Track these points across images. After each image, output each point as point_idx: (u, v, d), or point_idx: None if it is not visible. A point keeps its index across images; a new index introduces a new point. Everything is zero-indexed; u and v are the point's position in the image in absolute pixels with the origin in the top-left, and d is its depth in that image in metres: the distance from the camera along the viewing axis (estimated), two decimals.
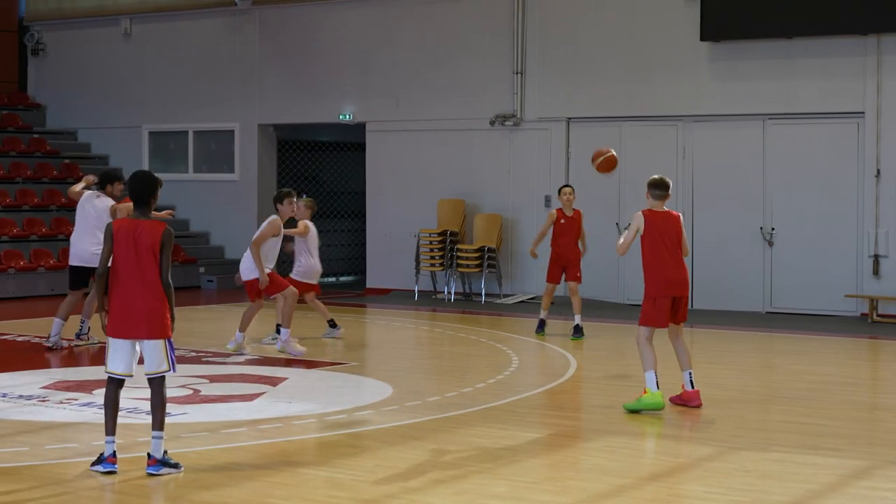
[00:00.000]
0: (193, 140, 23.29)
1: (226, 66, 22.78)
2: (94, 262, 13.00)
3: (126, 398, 9.91)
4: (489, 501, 7.25)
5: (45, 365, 12.61)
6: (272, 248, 13.12)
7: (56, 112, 24.96)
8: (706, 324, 16.69)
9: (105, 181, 13.61)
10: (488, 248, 19.77)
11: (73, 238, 13.60)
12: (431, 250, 20.18)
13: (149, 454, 7.70)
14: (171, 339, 7.79)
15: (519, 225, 19.68)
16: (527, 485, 7.65)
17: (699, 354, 13.95)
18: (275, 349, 13.57)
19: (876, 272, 17.41)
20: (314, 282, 14.40)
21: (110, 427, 7.72)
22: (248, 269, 13.04)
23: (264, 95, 22.37)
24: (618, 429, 9.52)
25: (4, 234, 20.55)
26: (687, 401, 10.21)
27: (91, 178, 13.89)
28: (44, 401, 10.24)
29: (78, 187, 13.82)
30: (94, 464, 7.73)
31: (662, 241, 10.07)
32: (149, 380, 7.80)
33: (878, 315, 17.15)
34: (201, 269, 22.08)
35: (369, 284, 21.31)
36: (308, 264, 14.28)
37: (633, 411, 9.93)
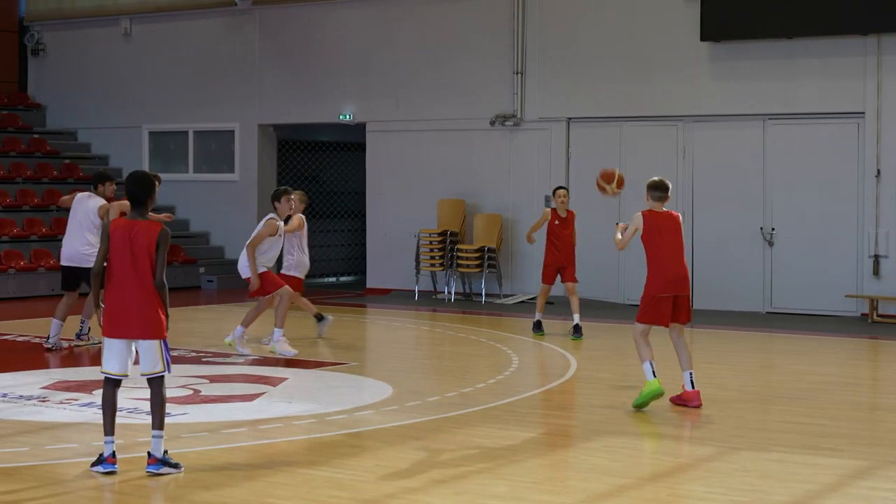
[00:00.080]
0: (193, 140, 23.29)
1: (226, 66, 22.79)
2: (84, 262, 13.04)
3: (126, 398, 9.93)
4: (489, 501, 7.25)
5: (45, 365, 12.61)
6: (272, 248, 13.08)
7: (56, 112, 24.97)
8: (706, 324, 16.69)
9: (97, 181, 13.63)
10: (488, 249, 19.77)
11: (64, 238, 13.62)
12: (431, 250, 20.18)
13: (149, 453, 7.70)
14: (167, 340, 7.79)
15: (519, 225, 19.66)
16: (527, 485, 7.65)
17: (699, 354, 13.95)
18: (275, 349, 13.56)
19: (876, 272, 17.41)
20: (303, 276, 14.34)
21: (109, 427, 7.72)
22: (245, 268, 13.03)
23: (264, 95, 22.38)
24: (618, 429, 9.52)
25: (5, 235, 20.55)
26: (687, 401, 10.22)
27: None
28: (44, 401, 10.24)
29: (67, 197, 13.91)
30: (93, 464, 7.73)
31: (663, 240, 10.18)
32: (147, 380, 7.80)
33: (879, 315, 17.15)
34: (201, 270, 22.08)
35: (369, 284, 21.31)
36: (299, 259, 14.26)
37: (641, 406, 10.06)
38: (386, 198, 21.17)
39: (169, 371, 7.79)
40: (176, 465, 7.73)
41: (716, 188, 18.49)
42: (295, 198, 14.15)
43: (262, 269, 12.99)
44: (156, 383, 7.78)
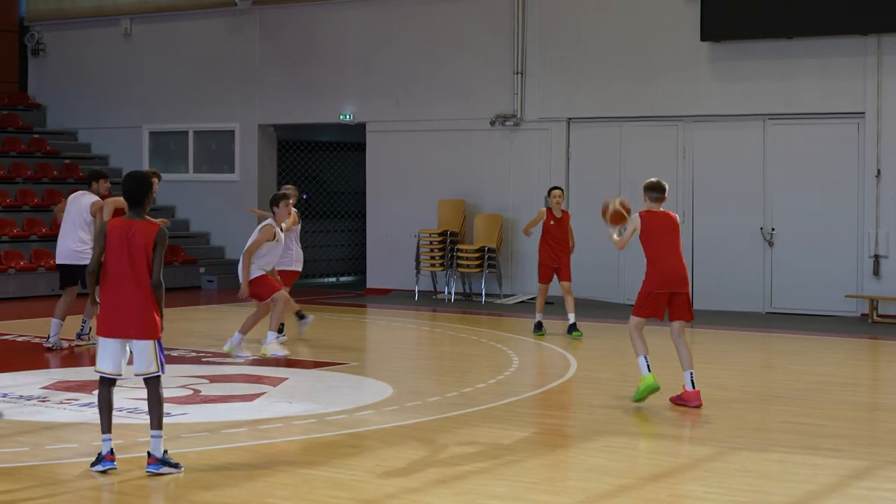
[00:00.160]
0: (194, 140, 23.29)
1: (226, 66, 22.79)
2: (78, 260, 13.04)
3: (126, 398, 9.94)
4: (489, 501, 7.25)
5: (46, 365, 12.61)
6: (271, 253, 12.96)
7: (56, 112, 24.97)
8: (706, 324, 16.69)
9: (91, 178, 13.64)
10: (488, 249, 19.77)
11: (59, 237, 13.62)
12: (432, 250, 20.18)
13: (149, 453, 7.70)
14: (161, 341, 7.79)
15: (519, 225, 19.64)
16: (527, 485, 7.65)
17: (699, 354, 13.95)
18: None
19: (876, 272, 17.41)
20: (301, 269, 14.37)
21: (106, 425, 7.74)
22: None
23: (265, 95, 22.38)
24: (618, 429, 9.52)
25: (5, 235, 20.55)
26: (687, 401, 10.23)
27: None
28: (44, 401, 10.24)
29: (60, 205, 13.93)
30: (93, 464, 7.73)
31: (661, 240, 10.29)
32: (144, 380, 7.81)
33: (879, 315, 17.15)
34: (201, 270, 22.09)
35: (369, 284, 21.31)
36: (297, 253, 14.27)
37: (639, 400, 10.22)
38: (386, 198, 21.17)
39: (163, 371, 7.79)
40: (176, 465, 7.73)
41: (716, 188, 18.49)
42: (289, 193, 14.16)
43: (259, 273, 12.88)
44: (152, 384, 7.79)
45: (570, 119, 19.66)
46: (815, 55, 17.79)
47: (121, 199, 8.16)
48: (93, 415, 9.46)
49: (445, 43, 20.64)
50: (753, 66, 18.18)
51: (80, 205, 13.43)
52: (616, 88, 19.16)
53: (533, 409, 10.62)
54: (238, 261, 13.12)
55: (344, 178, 24.69)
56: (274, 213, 13.11)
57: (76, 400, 10.22)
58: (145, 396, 7.88)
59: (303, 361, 12.90)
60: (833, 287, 17.65)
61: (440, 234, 20.09)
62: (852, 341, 15.51)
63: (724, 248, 18.40)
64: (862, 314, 17.39)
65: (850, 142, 17.74)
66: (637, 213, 10.36)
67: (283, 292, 13.04)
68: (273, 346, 12.97)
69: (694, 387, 10.23)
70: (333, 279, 24.35)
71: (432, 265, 20.22)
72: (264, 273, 12.95)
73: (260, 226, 13.13)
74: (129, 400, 9.92)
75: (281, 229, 13.10)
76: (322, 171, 24.57)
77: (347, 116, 21.48)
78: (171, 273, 21.47)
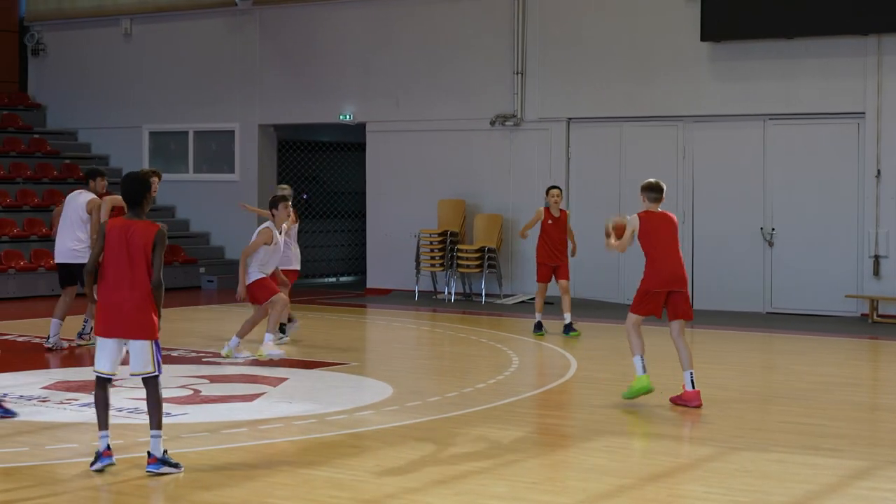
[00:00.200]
0: (194, 140, 23.29)
1: (226, 66, 22.79)
2: (75, 259, 13.03)
3: (126, 398, 9.95)
4: (489, 501, 7.26)
5: (46, 365, 12.62)
6: (270, 257, 12.82)
7: (56, 112, 24.97)
8: (706, 324, 16.69)
9: (89, 177, 13.64)
10: (488, 249, 19.77)
11: (57, 236, 13.62)
12: (432, 250, 20.18)
13: (149, 453, 7.71)
14: (159, 341, 7.79)
15: (519, 225, 19.59)
16: (527, 485, 7.66)
17: (699, 354, 13.94)
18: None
19: (876, 272, 17.41)
20: (299, 268, 14.35)
21: (103, 423, 7.77)
22: (247, 274, 12.81)
23: (265, 96, 22.38)
24: (618, 429, 9.52)
25: (5, 235, 20.55)
26: (687, 401, 10.24)
27: None
28: (44, 401, 10.24)
29: (57, 209, 13.93)
30: (92, 463, 7.73)
31: (659, 239, 10.33)
32: (143, 381, 7.81)
33: (879, 315, 17.14)
34: (201, 270, 22.09)
35: (369, 285, 21.31)
36: (295, 251, 14.23)
37: (629, 399, 10.30)
38: (386, 198, 21.17)
39: (159, 372, 7.79)
40: (176, 465, 7.74)
41: (716, 188, 18.49)
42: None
43: (258, 276, 12.76)
44: (151, 384, 7.79)
45: (570, 119, 19.66)
46: (816, 55, 17.78)
47: (119, 197, 8.17)
48: (93, 415, 9.45)
49: (445, 43, 20.64)
50: (753, 66, 18.17)
51: (77, 203, 13.44)
52: (616, 88, 19.16)
53: (533, 409, 10.62)
54: (237, 260, 13.10)
55: (344, 178, 24.69)
56: (273, 215, 12.93)
57: (76, 400, 10.22)
58: (145, 397, 7.88)
59: (303, 362, 12.90)
60: (833, 287, 17.65)
61: (440, 235, 20.09)
62: (852, 341, 15.50)
63: (724, 248, 18.40)
64: (862, 314, 17.39)
65: (850, 142, 17.74)
66: (636, 214, 10.40)
67: (282, 295, 12.90)
68: (268, 347, 12.80)
69: (694, 387, 10.24)
70: (333, 279, 24.35)
71: (432, 265, 20.22)
72: (264, 276, 12.83)
73: (259, 228, 13.06)
74: (129, 400, 9.92)
75: (281, 232, 13.01)
76: (322, 171, 24.57)
77: (347, 116, 21.48)
78: (171, 273, 21.46)
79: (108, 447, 7.73)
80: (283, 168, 23.31)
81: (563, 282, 15.26)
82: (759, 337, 15.83)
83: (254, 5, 22.15)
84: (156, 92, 23.49)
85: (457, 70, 20.48)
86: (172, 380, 11.27)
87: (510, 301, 19.44)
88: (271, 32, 22.32)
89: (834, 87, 17.69)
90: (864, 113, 17.55)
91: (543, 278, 15.29)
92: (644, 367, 10.25)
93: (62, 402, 10.14)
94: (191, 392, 10.78)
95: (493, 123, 20.10)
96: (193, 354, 13.16)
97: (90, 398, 10.10)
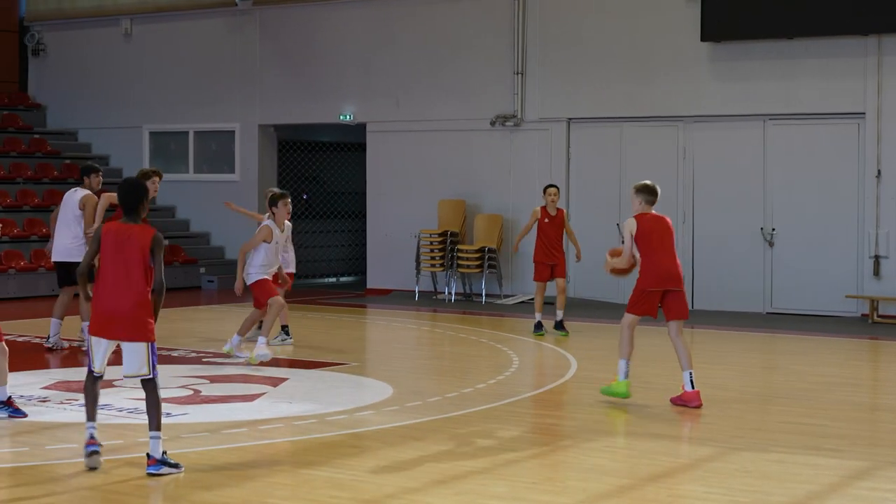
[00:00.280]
0: (194, 140, 23.30)
1: (226, 66, 22.79)
2: (72, 257, 13.00)
3: (126, 398, 9.96)
4: (489, 502, 7.25)
5: (46, 365, 12.62)
6: (273, 255, 12.66)
7: (56, 112, 24.97)
8: (706, 324, 16.69)
9: (84, 173, 13.62)
10: (489, 249, 19.77)
11: (55, 235, 13.62)
12: (432, 251, 20.18)
13: (148, 454, 7.71)
14: (154, 343, 7.79)
15: (519, 225, 19.61)
16: (527, 485, 7.66)
17: (699, 354, 13.95)
18: (277, 350, 13.57)
19: (876, 273, 17.41)
20: (294, 270, 14.31)
21: (91, 414, 7.82)
22: (248, 276, 12.69)
23: (265, 96, 22.38)
24: (618, 429, 9.53)
25: (5, 235, 20.55)
26: (687, 401, 10.24)
27: None
28: (44, 401, 10.25)
29: (55, 212, 13.93)
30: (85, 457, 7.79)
31: (655, 240, 10.37)
32: (141, 383, 7.83)
33: (879, 316, 17.14)
34: (202, 270, 22.09)
35: (370, 285, 21.31)
36: (291, 254, 14.17)
37: (605, 394, 10.45)
38: (386, 198, 21.17)
39: (154, 374, 7.78)
40: (176, 465, 7.74)
41: (716, 188, 18.49)
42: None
43: (260, 277, 12.63)
44: (149, 386, 7.80)
45: (570, 119, 19.66)
46: (816, 55, 17.79)
47: (114, 194, 8.20)
48: None
49: (446, 43, 20.64)
50: (754, 66, 18.18)
51: (72, 201, 13.45)
52: (616, 89, 19.16)
53: (533, 409, 10.62)
54: (237, 260, 13.04)
55: (344, 179, 24.69)
56: (273, 213, 12.79)
57: (76, 400, 10.20)
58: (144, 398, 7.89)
59: (303, 362, 12.89)
60: (833, 287, 17.65)
61: (440, 235, 20.09)
62: (852, 342, 15.50)
63: (724, 249, 18.40)
64: (862, 314, 17.39)
65: (850, 142, 17.74)
66: (631, 217, 10.46)
67: (279, 299, 12.66)
68: (260, 349, 12.44)
69: (693, 387, 10.25)
70: (334, 279, 24.35)
71: (432, 265, 20.22)
72: (265, 277, 12.66)
73: (260, 225, 13.03)
74: (129, 400, 9.93)
75: (282, 230, 12.89)
76: (322, 172, 24.57)
77: (348, 117, 21.48)
78: (172, 273, 21.44)
79: (93, 437, 7.77)
80: (284, 168, 23.32)
81: (560, 281, 15.30)
82: (760, 337, 15.83)
83: (254, 5, 22.15)
84: (156, 92, 23.50)
85: (457, 70, 20.48)
86: (172, 380, 11.28)
87: (510, 301, 19.44)
88: (271, 32, 22.32)
89: (834, 87, 17.69)
90: (864, 113, 17.56)
91: (541, 277, 15.32)
92: (627, 374, 10.33)
93: (62, 403, 10.14)
94: (191, 392, 10.79)
95: (493, 124, 20.10)
96: (193, 354, 13.16)
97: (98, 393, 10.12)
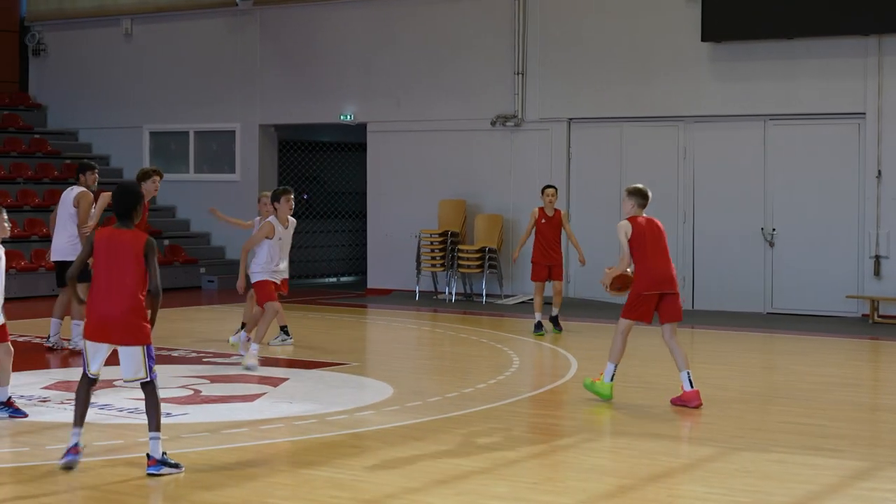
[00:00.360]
0: (194, 140, 23.30)
1: (227, 66, 22.79)
2: (70, 256, 12.98)
3: (126, 398, 9.96)
4: (490, 502, 7.25)
5: (46, 365, 12.62)
6: (276, 252, 12.48)
7: (57, 112, 24.97)
8: (707, 324, 16.69)
9: (79, 171, 13.60)
10: (489, 249, 19.77)
11: (53, 235, 13.62)
12: (432, 251, 20.18)
13: (148, 455, 7.71)
14: (152, 347, 7.79)
15: (520, 225, 19.64)
16: (527, 485, 7.66)
17: (700, 354, 13.96)
18: (277, 350, 13.58)
19: (877, 273, 17.40)
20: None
21: (79, 419, 7.81)
22: (253, 273, 12.55)
23: (265, 96, 22.38)
24: (618, 429, 9.53)
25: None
26: (686, 401, 10.24)
27: None
28: (45, 401, 10.25)
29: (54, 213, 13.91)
30: (61, 457, 7.79)
31: (648, 243, 10.41)
32: (140, 385, 7.83)
33: (879, 316, 17.14)
34: (202, 270, 22.09)
35: (370, 285, 21.31)
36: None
37: (588, 389, 10.55)
38: (387, 198, 21.17)
39: (151, 377, 7.78)
40: (176, 465, 7.74)
41: (716, 189, 18.49)
42: (266, 201, 14.03)
43: (262, 278, 12.43)
44: (148, 388, 7.81)
45: (570, 119, 19.66)
46: (816, 56, 17.78)
47: (107, 195, 8.22)
48: (94, 415, 9.47)
49: (446, 43, 20.64)
50: (754, 66, 18.17)
51: (68, 200, 13.45)
52: (617, 89, 19.16)
53: (533, 409, 10.62)
54: (237, 260, 13.01)
55: (345, 179, 24.69)
56: (275, 209, 12.61)
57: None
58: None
59: (303, 362, 12.89)
60: (834, 287, 17.65)
61: (441, 235, 20.09)
62: (853, 342, 15.50)
63: (724, 249, 18.40)
64: (863, 315, 17.39)
65: (850, 142, 17.74)
66: (625, 220, 10.49)
67: (276, 304, 12.45)
68: (250, 358, 12.16)
69: (692, 386, 10.26)
70: (334, 279, 24.35)
71: (433, 265, 20.22)
72: (267, 279, 12.46)
73: (262, 222, 12.96)
74: (130, 400, 9.93)
75: (286, 226, 12.70)
76: (323, 172, 24.57)
77: (348, 117, 21.48)
78: (172, 273, 21.48)
79: (76, 445, 7.76)
80: (284, 168, 23.32)
81: (557, 284, 15.39)
82: (760, 337, 15.83)
83: (254, 5, 22.16)
84: (156, 92, 23.50)
85: (458, 70, 20.48)
86: (173, 380, 11.28)
87: (511, 301, 19.44)
88: (272, 32, 22.32)
89: (834, 87, 17.68)
90: (864, 113, 17.55)
91: (539, 277, 15.36)
92: (613, 377, 10.43)
93: (63, 402, 10.13)
94: (191, 392, 10.79)
95: (493, 124, 20.10)
96: (194, 354, 13.16)
97: (91, 398, 10.10)
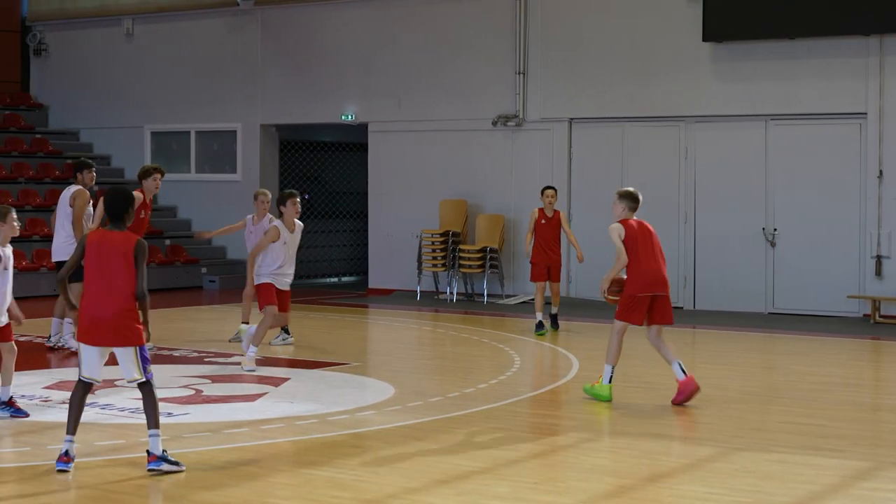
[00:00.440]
0: (196, 140, 23.30)
1: (228, 66, 22.80)
2: (66, 256, 12.98)
3: (128, 398, 9.97)
4: (491, 502, 7.25)
5: (47, 365, 12.63)
6: (279, 254, 12.42)
7: (58, 112, 24.98)
8: (708, 324, 16.69)
9: (77, 170, 13.59)
10: (490, 249, 19.77)
11: (54, 234, 13.63)
12: (434, 251, 20.18)
13: (148, 451, 7.72)
14: (145, 347, 7.79)
15: (521, 225, 19.64)
16: (529, 485, 7.65)
17: (701, 354, 13.97)
18: (278, 350, 13.58)
19: (878, 273, 17.40)
20: None
21: (71, 426, 7.80)
22: (258, 276, 12.47)
23: (266, 96, 22.38)
24: (619, 429, 9.53)
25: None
26: (684, 391, 10.29)
27: None
28: (46, 401, 10.26)
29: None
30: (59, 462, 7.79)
31: (641, 245, 10.47)
32: (137, 386, 7.84)
33: (881, 316, 17.14)
34: (203, 270, 22.08)
35: (371, 285, 21.31)
36: None
37: (587, 394, 10.58)
38: (388, 198, 21.17)
39: (147, 377, 7.78)
40: (176, 463, 7.75)
41: (718, 189, 18.49)
42: (263, 198, 14.06)
43: (265, 280, 12.42)
44: (145, 388, 7.82)
45: (572, 119, 19.65)
46: (817, 56, 17.78)
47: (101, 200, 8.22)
48: (95, 414, 9.51)
49: (447, 43, 20.64)
50: (755, 66, 18.17)
51: (65, 199, 13.45)
52: (618, 89, 19.15)
53: (534, 409, 10.62)
54: (239, 260, 13.01)
55: (346, 179, 24.70)
56: (281, 213, 12.51)
57: None
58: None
59: (305, 362, 12.89)
60: (835, 288, 17.64)
61: (442, 235, 20.09)
62: (854, 342, 15.50)
63: (725, 249, 18.40)
64: (864, 315, 17.38)
65: (852, 142, 17.73)
66: (617, 223, 10.54)
67: (275, 309, 12.38)
68: (247, 361, 12.11)
69: (685, 374, 10.31)
70: (335, 279, 24.35)
71: (434, 265, 20.22)
72: (270, 282, 12.40)
73: (267, 227, 12.88)
74: (131, 400, 9.93)
75: (292, 230, 12.62)
76: (324, 172, 24.57)
77: (349, 117, 21.48)
78: (174, 273, 21.49)
79: (67, 453, 7.73)
80: (285, 168, 23.32)
81: (554, 285, 15.48)
82: (761, 337, 15.82)
83: (255, 5, 22.16)
84: (158, 92, 23.50)
85: (458, 70, 20.48)
86: (174, 380, 11.29)
87: (512, 301, 19.44)
88: (273, 32, 22.32)
89: (836, 87, 17.68)
90: (865, 113, 17.55)
91: (538, 277, 15.41)
92: (611, 378, 10.46)
93: (64, 402, 10.11)
94: (192, 392, 10.79)
95: (494, 124, 20.10)
96: (195, 354, 13.17)
97: (92, 398, 10.09)
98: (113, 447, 8.49)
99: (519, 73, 19.86)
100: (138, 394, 9.26)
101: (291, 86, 22.07)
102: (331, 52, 21.65)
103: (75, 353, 13.11)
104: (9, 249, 9.34)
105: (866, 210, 17.54)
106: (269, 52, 22.36)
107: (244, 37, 22.62)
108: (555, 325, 15.58)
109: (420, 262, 20.27)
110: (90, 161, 13.83)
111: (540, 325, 15.31)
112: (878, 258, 17.42)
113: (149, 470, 7.68)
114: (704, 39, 18.27)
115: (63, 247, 13.25)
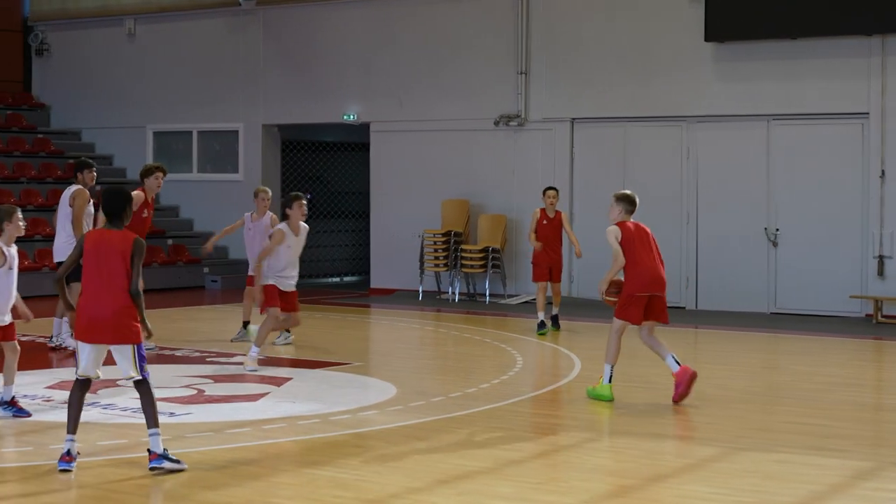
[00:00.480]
0: (197, 140, 23.30)
1: (229, 66, 22.80)
2: (65, 256, 12.96)
3: (130, 398, 9.96)
4: (493, 502, 7.25)
5: (49, 365, 12.63)
6: (284, 257, 12.36)
7: (60, 112, 24.99)
8: (710, 324, 16.69)
9: (77, 169, 13.59)
10: (492, 249, 19.77)
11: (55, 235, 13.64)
12: (436, 251, 20.18)
13: (149, 450, 7.73)
14: (142, 346, 7.80)
15: (523, 225, 19.63)
16: (531, 485, 7.65)
17: (703, 354, 13.97)
18: (280, 350, 13.58)
19: (880, 273, 17.39)
20: None
21: (72, 425, 7.80)
22: (263, 277, 12.39)
23: (268, 96, 22.39)
24: (622, 429, 9.52)
25: None
26: (681, 382, 10.31)
27: None
28: (48, 401, 10.27)
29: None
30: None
31: (638, 246, 10.54)
32: (134, 384, 7.86)
33: (883, 316, 17.13)
34: (205, 270, 22.08)
35: (373, 285, 21.31)
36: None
37: (590, 397, 10.57)
38: (390, 198, 21.17)
39: (143, 375, 7.78)
40: (177, 462, 7.75)
41: (720, 189, 18.48)
42: (263, 196, 14.04)
43: (269, 282, 12.37)
44: (143, 387, 7.83)
45: (573, 119, 19.65)
46: (819, 56, 17.77)
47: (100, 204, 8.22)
48: (98, 414, 9.51)
49: (448, 43, 20.64)
50: (757, 66, 18.16)
51: (65, 199, 13.45)
52: (620, 89, 19.15)
53: (537, 409, 10.62)
54: (241, 260, 12.99)
55: (348, 178, 24.70)
56: (287, 215, 12.46)
57: None
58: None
59: (307, 361, 12.89)
60: (837, 288, 17.63)
61: (444, 235, 20.09)
62: (857, 342, 15.49)
63: (727, 249, 18.39)
64: (866, 315, 17.38)
65: (854, 142, 17.72)
66: (614, 225, 10.62)
67: (278, 310, 12.38)
68: (249, 361, 12.10)
69: (680, 364, 10.34)
70: (337, 279, 24.36)
71: (436, 265, 20.22)
72: (273, 284, 12.36)
73: (272, 231, 12.84)
74: (133, 400, 9.90)
75: (297, 233, 12.57)
76: (326, 171, 24.58)
77: (351, 116, 21.48)
78: (176, 273, 21.49)
79: (69, 452, 7.73)
80: (287, 168, 23.32)
81: (555, 286, 15.49)
82: (763, 337, 15.82)
83: (257, 5, 22.16)
84: (159, 92, 23.51)
85: (460, 70, 20.48)
86: (176, 379, 11.30)
87: (514, 301, 19.44)
88: (274, 32, 22.33)
89: (838, 87, 17.67)
90: (867, 113, 17.54)
91: (540, 278, 15.43)
92: (611, 377, 10.48)
93: (65, 402, 10.12)
94: (195, 392, 10.79)
95: (496, 123, 20.09)
96: (197, 354, 13.17)
97: (94, 398, 10.15)
98: (115, 447, 8.49)
99: (521, 73, 19.85)
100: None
101: (293, 86, 22.07)
102: (332, 52, 21.65)
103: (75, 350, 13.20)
104: (14, 249, 9.38)
105: (868, 210, 17.53)
106: (271, 51, 22.37)
107: (246, 37, 22.62)
108: (556, 325, 15.60)
109: (422, 262, 20.27)
110: (91, 161, 13.82)
111: (542, 325, 15.31)
112: (881, 258, 17.41)
113: (151, 469, 7.68)
114: (706, 39, 18.26)
115: (64, 247, 13.26)
